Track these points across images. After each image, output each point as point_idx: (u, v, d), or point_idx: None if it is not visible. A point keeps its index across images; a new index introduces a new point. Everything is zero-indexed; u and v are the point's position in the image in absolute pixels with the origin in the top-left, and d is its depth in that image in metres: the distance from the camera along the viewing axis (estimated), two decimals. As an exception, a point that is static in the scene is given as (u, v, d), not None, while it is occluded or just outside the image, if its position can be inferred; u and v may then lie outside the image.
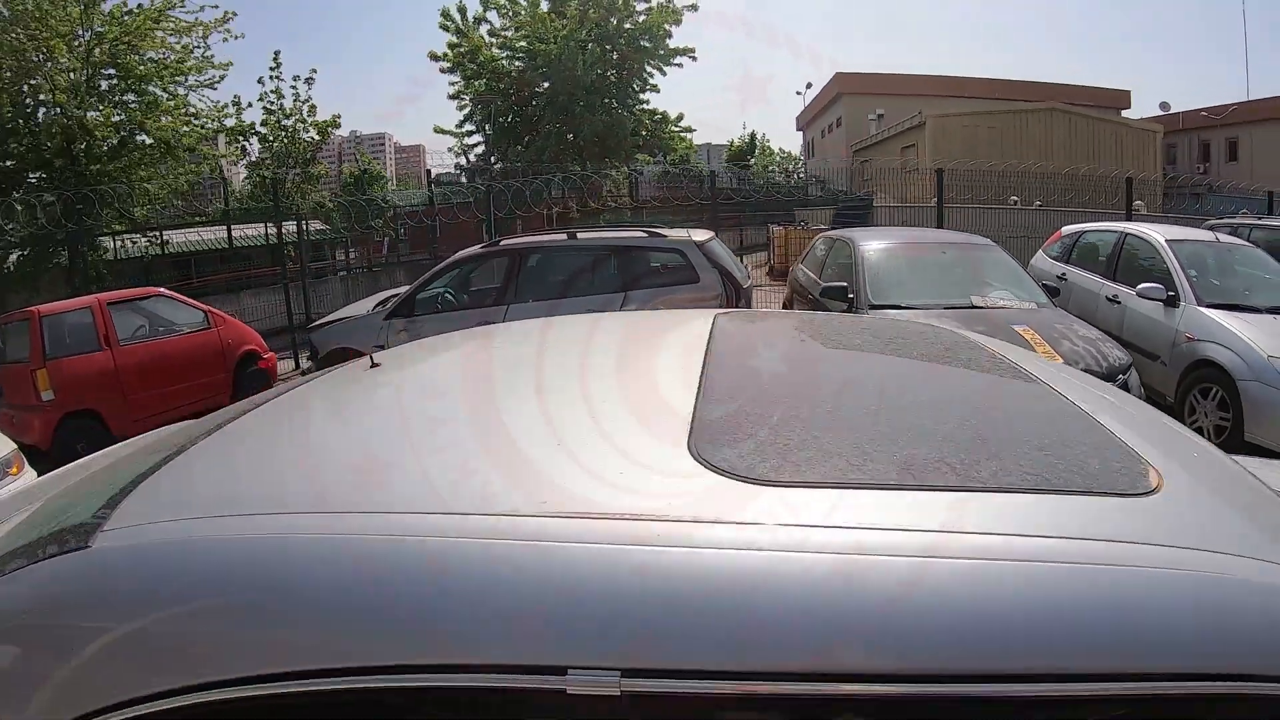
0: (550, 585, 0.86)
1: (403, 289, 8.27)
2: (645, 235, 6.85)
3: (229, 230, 16.86)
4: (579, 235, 6.96)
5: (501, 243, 7.00)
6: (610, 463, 1.09)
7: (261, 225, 17.22)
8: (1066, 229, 9.76)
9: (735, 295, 6.80)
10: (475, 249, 7.17)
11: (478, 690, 0.84)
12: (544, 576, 0.86)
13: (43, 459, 5.14)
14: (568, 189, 16.12)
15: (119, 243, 14.53)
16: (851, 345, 1.83)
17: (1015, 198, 17.79)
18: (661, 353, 1.72)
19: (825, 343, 1.87)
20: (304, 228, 11.10)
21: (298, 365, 10.53)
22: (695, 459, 1.04)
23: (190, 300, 8.35)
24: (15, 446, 4.84)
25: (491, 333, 2.15)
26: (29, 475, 4.59)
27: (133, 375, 7.16)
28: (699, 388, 1.30)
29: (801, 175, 27.24)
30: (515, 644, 0.84)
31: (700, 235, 6.96)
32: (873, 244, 6.70)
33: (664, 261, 6.74)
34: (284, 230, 12.06)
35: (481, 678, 0.83)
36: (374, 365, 1.61)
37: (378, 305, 7.51)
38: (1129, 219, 11.42)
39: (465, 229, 12.13)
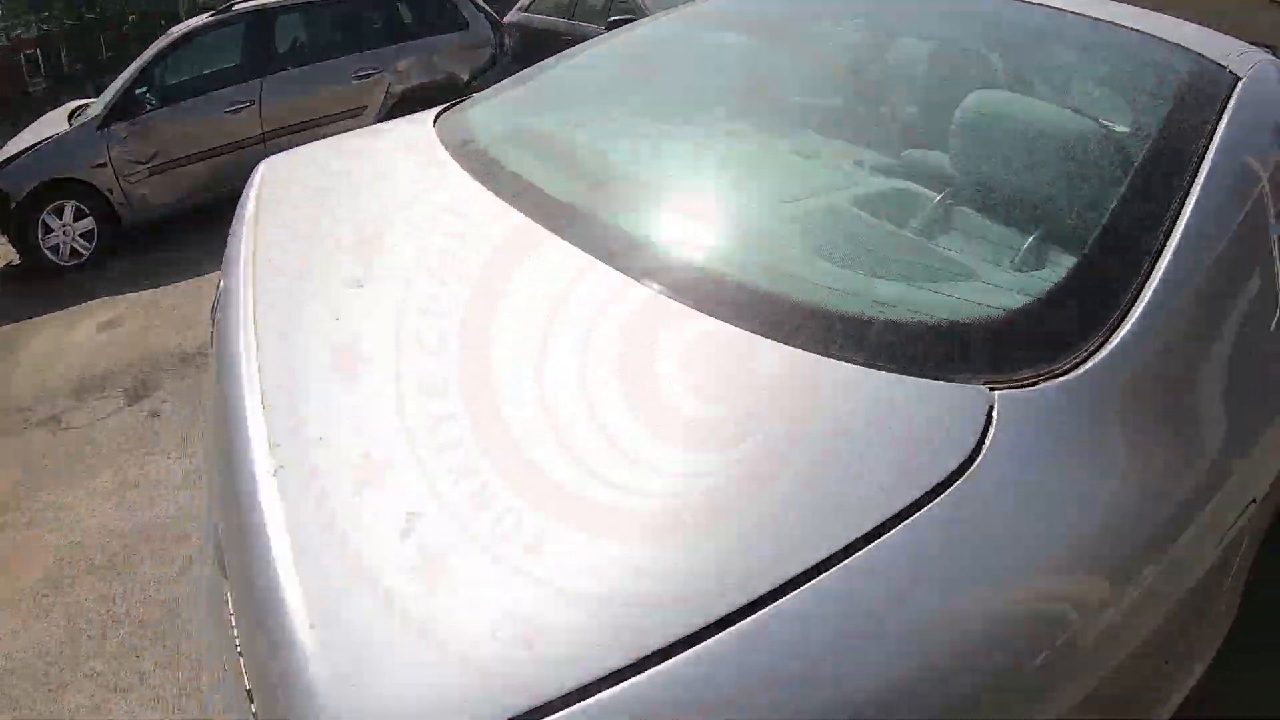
0: None
1: (93, 98, 6.82)
2: (398, -20, 6.38)
3: None
4: (321, -12, 6.22)
5: (234, 8, 6.00)
6: None
7: None
8: None
9: (501, 38, 6.75)
10: (199, 20, 6.06)
11: None
12: None
13: None
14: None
15: None
16: None
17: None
18: None
19: None
20: None
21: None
22: None
23: None
24: None
25: None
26: None
27: None
28: None
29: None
30: None
31: None
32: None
33: (425, 9, 6.40)
34: None
35: None
36: None
37: (72, 117, 6.15)
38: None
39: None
